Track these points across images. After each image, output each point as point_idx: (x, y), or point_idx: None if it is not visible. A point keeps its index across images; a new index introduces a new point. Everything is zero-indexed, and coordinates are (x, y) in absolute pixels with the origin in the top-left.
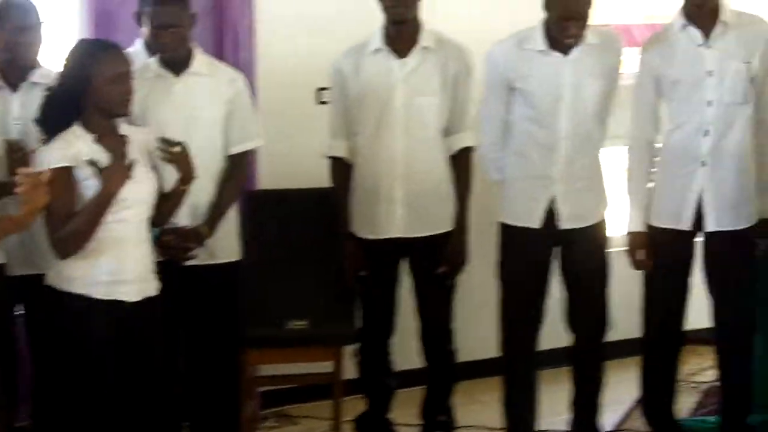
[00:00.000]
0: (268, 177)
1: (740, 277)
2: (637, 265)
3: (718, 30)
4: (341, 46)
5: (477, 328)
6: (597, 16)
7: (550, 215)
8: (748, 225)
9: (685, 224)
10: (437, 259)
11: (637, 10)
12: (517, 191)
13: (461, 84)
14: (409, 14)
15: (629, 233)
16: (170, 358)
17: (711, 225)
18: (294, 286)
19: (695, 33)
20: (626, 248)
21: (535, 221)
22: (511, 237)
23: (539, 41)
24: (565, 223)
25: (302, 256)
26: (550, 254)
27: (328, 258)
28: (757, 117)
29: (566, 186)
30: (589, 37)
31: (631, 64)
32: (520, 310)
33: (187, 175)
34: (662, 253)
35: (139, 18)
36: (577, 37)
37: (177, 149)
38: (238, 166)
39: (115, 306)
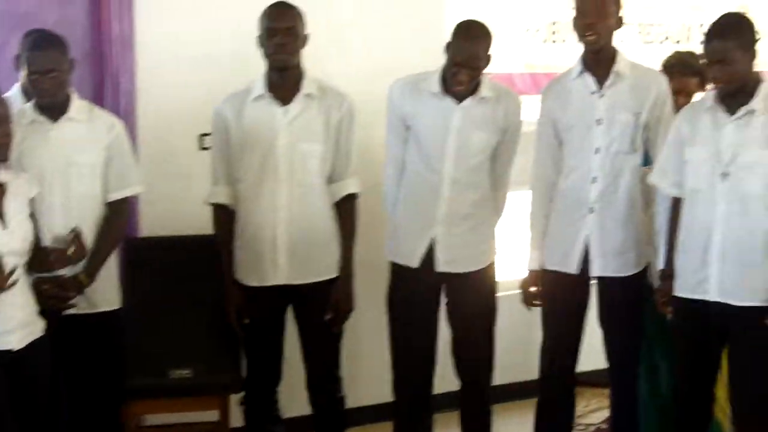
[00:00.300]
0: (150, 224)
1: (628, 321)
2: (526, 299)
3: (610, 79)
4: (224, 91)
5: (368, 372)
6: None
7: (432, 257)
8: (634, 272)
9: (572, 268)
10: (323, 305)
11: (518, 59)
12: (402, 229)
13: (344, 131)
14: (292, 61)
15: (527, 271)
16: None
17: (596, 270)
18: (178, 335)
19: (590, 81)
20: (520, 285)
21: (414, 261)
22: (398, 274)
23: (434, 84)
24: (442, 266)
25: (186, 304)
26: (435, 295)
27: (212, 306)
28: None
29: (447, 229)
30: (484, 90)
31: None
32: (408, 350)
33: (78, 258)
34: (555, 295)
35: (17, 62)
36: (466, 85)
37: (72, 251)
38: (118, 213)
39: (2, 356)
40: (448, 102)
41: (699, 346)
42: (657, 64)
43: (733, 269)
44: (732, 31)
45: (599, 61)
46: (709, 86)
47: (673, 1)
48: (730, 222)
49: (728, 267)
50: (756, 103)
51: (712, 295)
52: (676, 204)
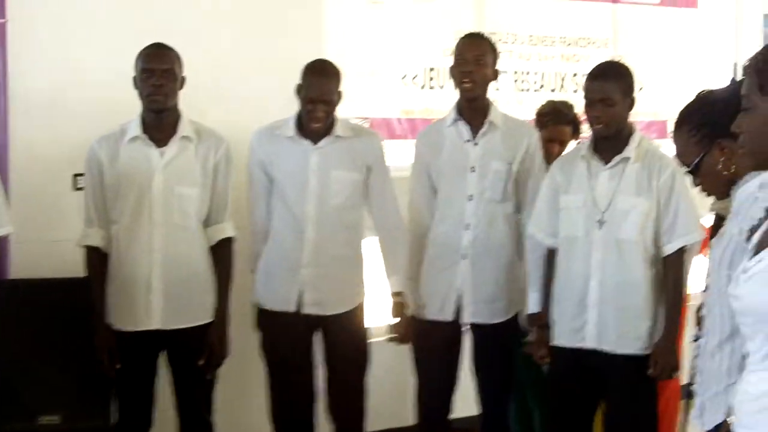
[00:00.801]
0: (20, 265)
1: (500, 367)
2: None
3: (485, 128)
4: (98, 131)
5: (247, 420)
6: (356, 109)
7: (302, 299)
8: (504, 319)
9: (447, 316)
10: (197, 351)
11: (395, 104)
12: (271, 274)
13: (221, 174)
14: (169, 103)
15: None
16: None
17: (467, 317)
18: (46, 379)
19: (464, 129)
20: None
21: (290, 305)
22: (269, 320)
23: (290, 128)
24: (309, 308)
25: (55, 347)
26: (309, 336)
27: (83, 350)
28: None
29: (313, 271)
30: (339, 129)
31: (394, 157)
32: (285, 394)
33: None
34: (430, 344)
35: None
36: (323, 122)
37: None
38: None
39: None
40: (305, 144)
41: (574, 395)
42: (531, 112)
43: (609, 316)
44: (615, 73)
45: (474, 109)
46: (584, 134)
47: (548, 50)
48: (607, 269)
49: (605, 314)
50: (630, 150)
51: (589, 343)
52: (551, 254)
